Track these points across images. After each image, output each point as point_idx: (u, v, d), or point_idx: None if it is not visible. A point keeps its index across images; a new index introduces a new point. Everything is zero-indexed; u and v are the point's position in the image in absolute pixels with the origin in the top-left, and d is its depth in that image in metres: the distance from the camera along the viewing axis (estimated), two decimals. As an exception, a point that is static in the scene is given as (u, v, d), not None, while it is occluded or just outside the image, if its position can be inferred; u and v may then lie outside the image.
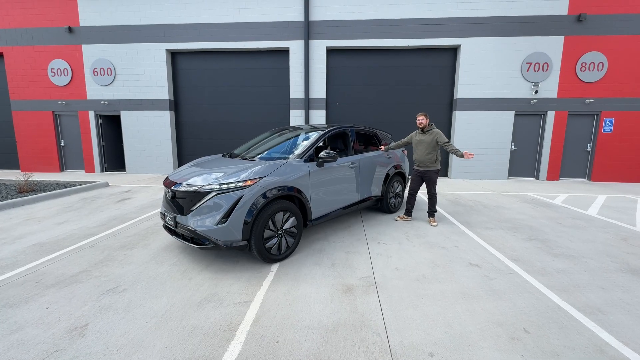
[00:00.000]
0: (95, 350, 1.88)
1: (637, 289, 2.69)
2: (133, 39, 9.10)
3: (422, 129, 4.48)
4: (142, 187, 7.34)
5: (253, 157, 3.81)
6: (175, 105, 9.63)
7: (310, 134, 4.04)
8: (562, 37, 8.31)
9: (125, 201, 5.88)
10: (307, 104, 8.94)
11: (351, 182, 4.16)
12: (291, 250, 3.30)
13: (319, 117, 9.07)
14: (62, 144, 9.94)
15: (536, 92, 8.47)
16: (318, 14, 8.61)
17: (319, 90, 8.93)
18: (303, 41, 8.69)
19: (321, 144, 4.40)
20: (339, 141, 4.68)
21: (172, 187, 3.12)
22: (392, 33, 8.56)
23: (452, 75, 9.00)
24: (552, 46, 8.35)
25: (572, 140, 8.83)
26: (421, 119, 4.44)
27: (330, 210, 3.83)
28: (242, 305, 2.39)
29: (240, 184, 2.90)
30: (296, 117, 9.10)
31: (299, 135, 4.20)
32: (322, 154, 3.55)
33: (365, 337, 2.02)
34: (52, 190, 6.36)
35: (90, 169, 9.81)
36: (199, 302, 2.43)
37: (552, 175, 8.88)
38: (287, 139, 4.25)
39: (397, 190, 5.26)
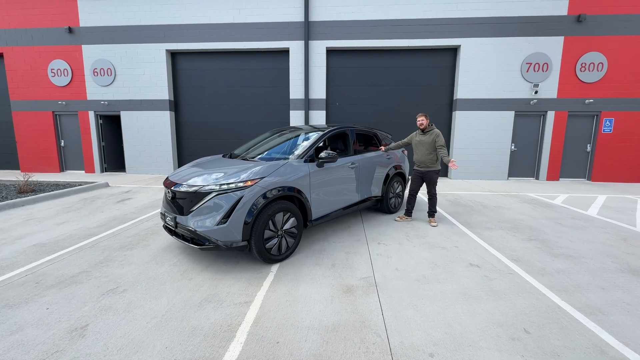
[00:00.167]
0: (95, 351, 1.88)
1: (637, 289, 2.69)
2: (133, 40, 9.11)
3: (423, 130, 4.48)
4: (142, 188, 7.34)
5: (253, 158, 3.81)
6: (175, 105, 9.63)
7: (310, 134, 4.04)
8: (562, 38, 8.31)
9: (126, 201, 5.88)
10: (307, 104, 8.94)
11: (351, 183, 4.16)
12: (291, 251, 3.30)
13: (319, 117, 9.07)
14: (62, 144, 9.94)
15: (536, 92, 8.48)
16: (318, 15, 8.61)
17: (319, 91, 8.94)
18: (303, 41, 8.69)
19: (321, 144, 4.41)
20: (339, 141, 4.68)
21: (172, 188, 3.12)
22: (392, 33, 8.57)
23: (452, 76, 9.00)
24: (552, 46, 8.36)
25: (572, 140, 8.84)
26: (421, 120, 4.44)
27: (330, 211, 3.83)
28: (242, 305, 2.39)
29: (241, 184, 2.90)
30: (296, 118, 9.10)
31: (299, 135, 4.20)
32: (322, 154, 3.56)
33: (365, 337, 2.02)
34: (52, 190, 6.36)
35: (90, 170, 9.81)
36: (199, 302, 2.43)
37: (552, 176, 8.88)
38: (287, 140, 4.25)
39: (397, 191, 5.26)
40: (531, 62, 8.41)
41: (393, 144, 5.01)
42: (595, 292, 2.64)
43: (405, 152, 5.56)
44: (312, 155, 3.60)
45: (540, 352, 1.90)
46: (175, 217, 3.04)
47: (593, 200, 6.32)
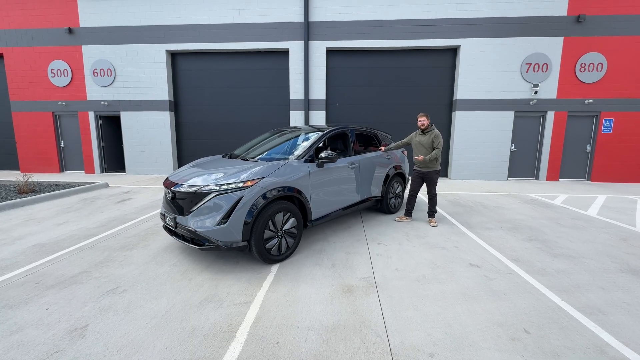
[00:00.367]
0: (95, 351, 1.88)
1: (637, 289, 2.70)
2: (133, 40, 9.11)
3: (423, 130, 4.47)
4: (142, 188, 7.34)
5: (253, 158, 3.81)
6: (175, 106, 9.64)
7: (310, 134, 4.05)
8: (562, 38, 8.32)
9: (125, 202, 5.88)
10: (307, 104, 8.94)
11: (351, 183, 4.16)
12: (291, 251, 3.30)
13: (318, 117, 9.07)
14: (62, 144, 9.94)
15: (536, 92, 8.48)
16: (318, 15, 8.62)
17: (318, 91, 8.94)
18: (303, 42, 8.70)
19: (321, 144, 4.41)
20: (339, 142, 4.68)
21: (172, 188, 3.12)
22: (391, 34, 8.58)
23: (452, 76, 9.01)
24: (552, 47, 8.37)
25: (572, 140, 8.84)
26: (422, 120, 4.44)
27: (330, 211, 3.83)
28: (242, 306, 2.38)
29: (241, 184, 2.90)
30: (296, 118, 9.10)
31: (299, 135, 4.20)
32: (322, 154, 3.56)
33: (365, 337, 2.02)
34: (52, 191, 6.35)
35: (90, 170, 9.81)
36: (199, 302, 2.43)
37: (552, 176, 8.88)
38: (287, 140, 4.25)
39: (397, 191, 5.26)
40: (531, 62, 8.42)
41: (393, 144, 5.01)
42: (595, 292, 2.64)
43: (405, 152, 5.57)
44: (312, 156, 3.61)
45: (540, 352, 1.90)
46: (175, 218, 3.04)
47: (593, 200, 6.32)
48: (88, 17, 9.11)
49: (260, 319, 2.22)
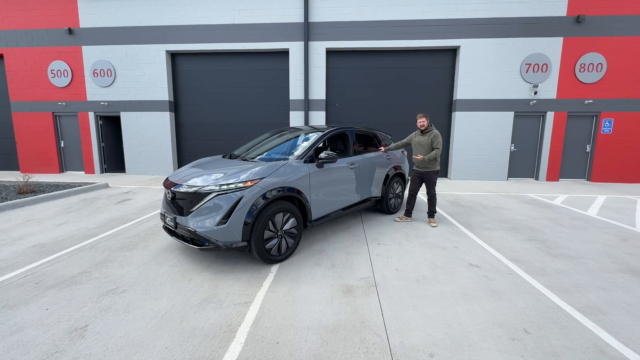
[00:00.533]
0: (95, 351, 1.88)
1: (637, 289, 2.70)
2: (133, 41, 9.12)
3: (422, 131, 4.48)
4: (142, 188, 7.34)
5: (253, 158, 3.81)
6: (175, 106, 9.64)
7: (310, 135, 4.05)
8: (561, 38, 8.33)
9: (125, 202, 5.88)
10: (307, 105, 8.95)
11: (351, 183, 4.16)
12: (291, 251, 3.30)
13: (318, 118, 9.08)
14: (62, 145, 9.94)
15: (535, 93, 8.49)
16: (318, 15, 8.63)
17: (318, 91, 8.95)
18: (303, 42, 8.70)
19: (321, 144, 4.41)
20: (338, 142, 4.68)
21: (172, 188, 3.12)
22: (391, 34, 8.58)
23: (452, 76, 9.01)
24: (551, 47, 8.37)
25: (572, 141, 8.85)
26: (422, 121, 4.43)
27: (330, 211, 3.83)
28: (242, 306, 2.39)
29: (241, 184, 2.90)
30: (296, 118, 9.11)
31: (298, 136, 4.21)
32: (322, 154, 3.56)
33: (365, 337, 2.02)
34: (52, 191, 6.35)
35: (90, 170, 9.81)
36: (199, 303, 2.43)
37: (552, 176, 8.89)
38: (287, 140, 4.26)
39: (397, 191, 5.26)
40: (530, 62, 8.43)
41: (392, 145, 5.01)
42: (595, 292, 2.64)
43: (405, 152, 5.57)
44: (312, 156, 3.61)
45: (540, 352, 1.90)
46: (175, 218, 3.04)
47: (593, 200, 6.32)
48: (88, 18, 9.12)
49: (260, 319, 2.22)
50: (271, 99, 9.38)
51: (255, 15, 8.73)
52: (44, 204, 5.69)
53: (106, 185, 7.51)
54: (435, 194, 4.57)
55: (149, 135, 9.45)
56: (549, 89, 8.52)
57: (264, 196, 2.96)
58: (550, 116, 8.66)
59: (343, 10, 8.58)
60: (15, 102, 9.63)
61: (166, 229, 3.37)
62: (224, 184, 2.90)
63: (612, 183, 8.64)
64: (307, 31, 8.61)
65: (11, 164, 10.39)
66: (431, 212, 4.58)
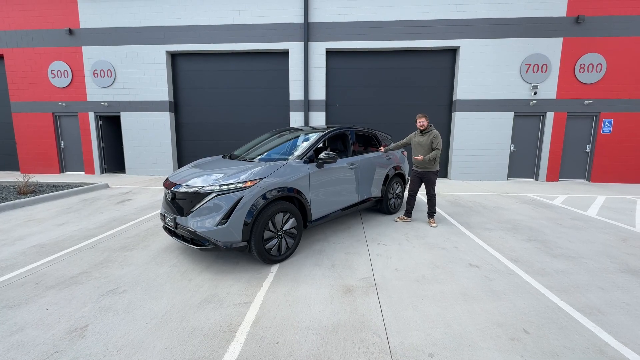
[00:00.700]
0: (95, 351, 1.89)
1: (637, 289, 2.70)
2: (133, 41, 9.12)
3: (422, 131, 4.48)
4: (142, 189, 7.34)
5: (253, 159, 3.81)
6: (175, 106, 9.65)
7: (310, 135, 4.05)
8: (561, 39, 8.34)
9: (125, 202, 5.88)
10: (307, 105, 8.96)
11: (351, 183, 4.17)
12: (291, 251, 3.30)
13: (318, 118, 9.09)
14: (62, 145, 9.95)
15: (535, 93, 8.49)
16: (317, 16, 8.64)
17: (318, 92, 8.95)
18: (303, 43, 8.71)
19: (321, 145, 4.41)
20: (338, 142, 4.68)
21: (172, 189, 3.12)
22: (391, 34, 8.59)
23: (452, 77, 9.02)
24: (551, 47, 8.38)
25: (571, 141, 8.85)
26: (422, 121, 4.44)
27: (330, 211, 3.84)
28: (242, 306, 2.39)
29: (240, 185, 2.91)
30: (296, 119, 9.12)
31: (298, 136, 4.21)
32: (322, 155, 3.56)
33: (365, 337, 2.03)
34: (52, 191, 6.36)
35: (90, 171, 9.81)
36: (199, 303, 2.43)
37: (552, 176, 8.89)
38: (287, 140, 4.26)
39: (397, 191, 5.26)
40: (530, 63, 8.44)
41: (392, 145, 5.01)
42: (595, 292, 2.64)
43: (405, 152, 5.57)
44: (312, 156, 3.61)
45: (539, 352, 1.90)
46: (175, 218, 3.05)
47: (592, 200, 6.33)
48: (88, 18, 9.13)
49: (260, 319, 2.22)
50: (271, 99, 9.39)
51: (255, 16, 8.74)
52: (44, 204, 5.69)
53: (106, 186, 7.51)
54: (434, 194, 4.57)
55: (149, 136, 9.46)
56: (548, 89, 8.53)
57: (263, 196, 2.96)
58: (550, 116, 8.67)
59: (343, 10, 8.59)
60: (16, 102, 9.64)
61: (166, 229, 3.37)
62: (224, 184, 2.91)
63: (612, 183, 8.64)
64: (307, 31, 8.62)
65: (11, 164, 10.39)
66: (431, 213, 4.59)
